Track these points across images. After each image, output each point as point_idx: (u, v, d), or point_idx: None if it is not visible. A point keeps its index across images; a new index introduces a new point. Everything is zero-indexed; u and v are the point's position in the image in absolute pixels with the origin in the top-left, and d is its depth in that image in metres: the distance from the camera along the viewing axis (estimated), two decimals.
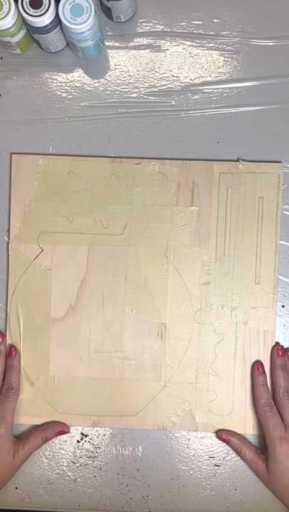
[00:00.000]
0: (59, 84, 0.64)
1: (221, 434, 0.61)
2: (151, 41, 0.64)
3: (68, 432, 0.61)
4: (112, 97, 0.64)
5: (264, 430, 0.59)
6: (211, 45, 0.64)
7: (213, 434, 0.61)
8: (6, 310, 0.63)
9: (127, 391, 0.62)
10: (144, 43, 0.64)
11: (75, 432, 0.62)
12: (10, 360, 0.61)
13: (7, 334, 0.62)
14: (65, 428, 0.61)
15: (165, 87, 0.64)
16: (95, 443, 0.62)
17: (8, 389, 0.60)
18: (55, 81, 0.64)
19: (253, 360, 0.61)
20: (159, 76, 0.64)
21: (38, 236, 0.62)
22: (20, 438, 0.60)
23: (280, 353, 0.60)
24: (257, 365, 0.61)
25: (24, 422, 0.61)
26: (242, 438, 0.61)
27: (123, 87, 0.64)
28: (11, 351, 0.61)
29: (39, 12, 0.56)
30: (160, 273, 0.62)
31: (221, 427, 0.61)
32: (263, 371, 0.60)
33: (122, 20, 0.63)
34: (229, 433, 0.61)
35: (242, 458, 0.61)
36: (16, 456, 0.58)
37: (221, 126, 0.63)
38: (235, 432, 0.61)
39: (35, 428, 0.61)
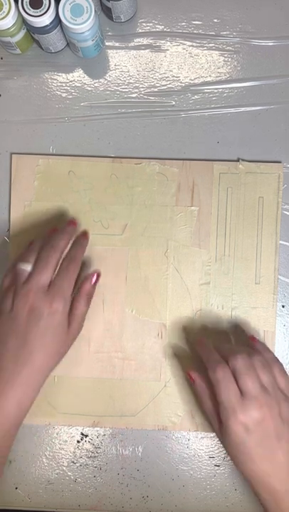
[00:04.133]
0: (59, 84, 0.64)
1: (190, 371, 0.56)
2: (151, 41, 0.64)
3: (100, 275, 0.58)
4: (112, 97, 0.64)
5: (217, 397, 0.52)
6: (211, 45, 0.64)
7: (214, 434, 0.61)
8: None
9: (127, 391, 0.62)
10: (144, 43, 0.64)
11: (75, 432, 0.62)
12: (78, 238, 0.59)
13: None
14: (97, 271, 0.58)
15: (165, 87, 0.64)
16: (95, 443, 0.62)
17: (70, 261, 0.55)
18: (55, 81, 0.64)
19: None
20: (159, 76, 0.64)
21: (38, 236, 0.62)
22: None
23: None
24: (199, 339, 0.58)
25: (23, 422, 0.61)
26: (210, 386, 0.53)
27: (123, 87, 0.64)
28: (84, 233, 0.61)
29: (39, 12, 0.56)
30: (160, 273, 0.62)
31: None
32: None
33: (122, 21, 0.63)
34: (200, 376, 0.55)
35: (201, 406, 0.55)
36: (69, 332, 0.55)
37: (221, 126, 0.63)
38: (209, 377, 0.53)
39: (71, 291, 0.55)
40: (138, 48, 0.64)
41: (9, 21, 0.57)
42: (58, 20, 0.58)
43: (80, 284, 0.57)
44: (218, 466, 0.62)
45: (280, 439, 0.51)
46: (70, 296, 0.55)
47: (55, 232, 0.58)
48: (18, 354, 0.52)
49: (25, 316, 0.53)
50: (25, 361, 0.52)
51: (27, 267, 0.55)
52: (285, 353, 0.62)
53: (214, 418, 0.53)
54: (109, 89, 0.64)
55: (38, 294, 0.53)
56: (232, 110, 0.63)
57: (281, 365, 0.55)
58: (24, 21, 0.58)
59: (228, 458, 0.62)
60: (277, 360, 0.56)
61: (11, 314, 0.53)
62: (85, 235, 0.61)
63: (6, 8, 0.56)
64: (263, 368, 0.52)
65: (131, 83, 0.64)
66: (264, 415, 0.50)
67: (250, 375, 0.51)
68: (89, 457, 0.62)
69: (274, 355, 0.56)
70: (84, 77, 0.64)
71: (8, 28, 0.58)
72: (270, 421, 0.50)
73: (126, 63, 0.64)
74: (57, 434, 0.62)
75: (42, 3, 0.56)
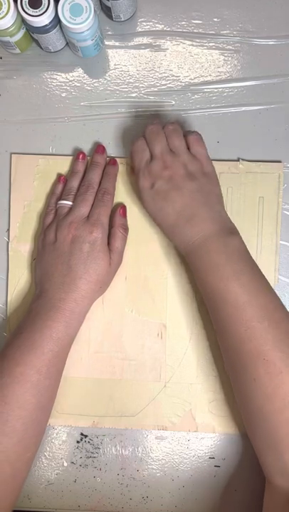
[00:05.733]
0: (59, 83, 0.64)
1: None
2: (151, 40, 0.64)
3: (125, 206, 0.62)
4: (112, 97, 0.64)
5: (132, 166, 0.58)
6: (211, 44, 0.63)
7: (214, 435, 0.61)
8: (6, 310, 0.62)
9: (126, 391, 0.62)
10: (144, 42, 0.64)
11: (74, 432, 0.62)
12: (108, 168, 0.61)
13: (7, 334, 0.62)
14: (120, 204, 0.62)
15: (165, 87, 0.64)
16: (94, 443, 0.62)
17: (104, 193, 0.59)
18: (54, 81, 0.64)
19: None
20: (159, 75, 0.64)
21: (38, 236, 0.62)
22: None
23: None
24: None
25: None
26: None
27: (123, 86, 0.64)
28: (112, 161, 0.62)
29: (38, 12, 0.56)
30: (160, 273, 0.62)
31: (221, 428, 0.61)
32: None
33: (122, 20, 0.63)
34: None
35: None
36: (111, 262, 0.58)
37: (221, 125, 0.63)
38: None
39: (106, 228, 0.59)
40: (138, 47, 0.64)
41: (8, 21, 0.57)
42: (57, 20, 0.58)
43: (110, 219, 0.60)
44: (218, 466, 0.62)
45: (190, 192, 0.54)
46: (107, 224, 0.59)
47: (82, 163, 0.62)
48: (63, 281, 0.56)
49: (68, 244, 0.57)
50: (70, 287, 0.56)
51: (68, 203, 0.59)
52: None
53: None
54: (109, 88, 0.64)
55: (79, 224, 0.57)
56: (232, 110, 0.63)
57: (197, 134, 0.58)
58: (23, 21, 0.58)
59: (228, 458, 0.62)
60: (195, 132, 0.58)
61: (55, 245, 0.58)
62: (114, 163, 0.62)
63: (5, 7, 0.56)
64: (171, 133, 0.57)
65: (131, 83, 0.64)
66: (169, 173, 0.55)
67: (157, 139, 0.56)
68: (89, 457, 0.62)
69: (197, 132, 0.58)
70: (84, 76, 0.64)
71: (8, 28, 0.58)
72: (175, 176, 0.55)
73: (126, 63, 0.64)
74: (56, 434, 0.62)
75: (41, 2, 0.56)
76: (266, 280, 0.54)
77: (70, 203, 0.59)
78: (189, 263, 0.57)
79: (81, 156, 0.62)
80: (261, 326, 0.50)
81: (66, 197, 0.60)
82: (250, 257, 0.55)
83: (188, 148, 0.57)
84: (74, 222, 0.57)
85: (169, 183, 0.55)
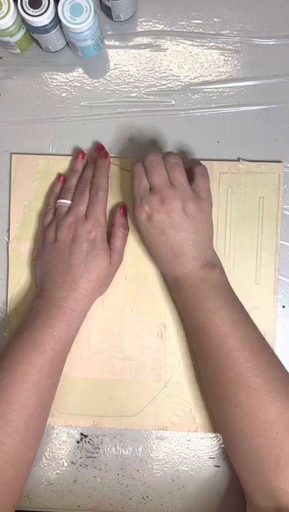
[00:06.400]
0: (59, 83, 0.64)
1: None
2: (151, 40, 0.64)
3: (125, 206, 0.62)
4: (112, 97, 0.64)
5: (132, 192, 0.57)
6: (211, 44, 0.63)
7: (214, 435, 0.61)
8: (6, 310, 0.62)
9: (126, 391, 0.61)
10: (144, 42, 0.64)
11: (74, 432, 0.62)
12: (98, 162, 0.61)
13: (7, 334, 0.62)
14: (120, 204, 0.62)
15: (165, 87, 0.64)
16: (94, 443, 0.62)
17: (97, 189, 0.59)
18: (54, 81, 0.64)
19: None
20: (159, 75, 0.64)
21: (38, 235, 0.62)
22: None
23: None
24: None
25: None
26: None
27: (123, 86, 0.64)
28: (103, 155, 0.61)
29: (38, 12, 0.56)
30: (160, 272, 0.62)
31: None
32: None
33: (122, 20, 0.63)
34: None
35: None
36: (111, 261, 0.58)
37: (221, 125, 0.63)
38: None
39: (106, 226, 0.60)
40: (138, 47, 0.64)
41: (8, 21, 0.57)
42: (57, 20, 0.58)
43: (111, 219, 0.61)
44: (218, 466, 0.62)
45: (183, 232, 0.55)
46: (104, 221, 0.59)
47: (81, 162, 0.62)
48: (64, 280, 0.56)
49: (68, 244, 0.57)
50: (71, 286, 0.56)
51: (67, 202, 0.59)
52: (286, 353, 0.62)
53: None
54: (109, 88, 0.64)
55: (78, 223, 0.58)
56: (232, 109, 0.63)
57: (203, 168, 0.57)
58: (23, 21, 0.58)
59: (229, 459, 0.62)
60: (201, 164, 0.58)
61: (55, 244, 0.58)
62: (105, 156, 0.62)
63: (5, 7, 0.56)
64: (173, 166, 0.56)
65: (131, 82, 0.64)
66: (166, 209, 0.54)
67: (158, 171, 0.55)
68: (89, 457, 0.62)
69: (204, 166, 0.58)
70: (84, 76, 0.64)
71: (8, 28, 0.58)
72: (172, 215, 0.54)
73: (126, 62, 0.64)
74: (56, 434, 0.62)
75: (41, 2, 0.56)
76: (246, 312, 0.56)
77: (69, 201, 0.60)
78: (175, 296, 0.59)
79: (80, 155, 0.62)
80: (242, 355, 0.52)
81: (65, 196, 0.60)
82: (231, 289, 0.57)
83: (191, 179, 0.56)
84: (73, 222, 0.58)
85: (165, 220, 0.54)
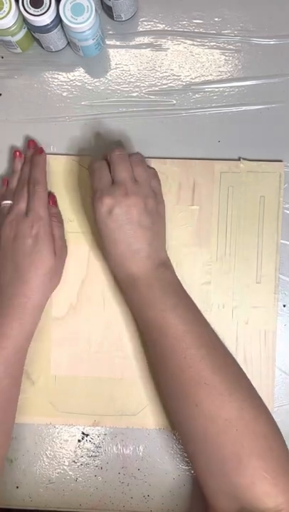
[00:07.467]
0: (60, 83, 0.64)
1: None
2: (152, 40, 0.64)
3: (53, 195, 0.63)
4: (113, 96, 0.64)
5: (91, 186, 0.56)
6: (212, 43, 0.63)
7: None
8: None
9: (127, 390, 0.62)
10: (145, 41, 0.64)
11: (76, 431, 0.62)
12: (34, 158, 0.61)
13: None
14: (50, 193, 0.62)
15: (166, 86, 0.64)
16: (95, 442, 0.62)
17: (34, 184, 0.59)
18: (55, 80, 0.64)
19: (253, 360, 0.61)
20: (160, 75, 0.64)
21: None
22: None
23: None
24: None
25: (24, 421, 0.61)
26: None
27: (124, 86, 0.64)
28: (39, 150, 0.61)
29: (40, 11, 0.56)
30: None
31: None
32: None
33: (123, 19, 0.63)
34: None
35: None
36: (56, 251, 0.58)
37: (222, 125, 0.63)
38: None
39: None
40: (139, 46, 0.64)
41: (10, 20, 0.57)
42: (58, 20, 0.58)
43: None
44: None
45: (142, 228, 0.54)
46: (46, 214, 0.58)
47: (19, 161, 0.62)
48: (11, 278, 0.56)
49: (11, 242, 0.57)
50: (19, 283, 0.56)
51: (8, 202, 0.60)
52: (286, 352, 0.62)
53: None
54: (110, 88, 0.64)
55: (19, 221, 0.58)
56: (233, 109, 0.63)
57: (155, 170, 0.59)
58: (25, 20, 0.58)
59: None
60: (152, 167, 0.59)
61: (0, 245, 0.58)
62: (40, 152, 0.62)
63: (6, 7, 0.56)
64: (138, 164, 0.56)
65: (132, 82, 0.64)
66: (129, 202, 0.54)
67: (123, 166, 0.55)
68: (90, 456, 0.62)
69: (154, 168, 0.59)
70: (85, 76, 0.64)
71: (9, 27, 0.58)
72: (133, 209, 0.54)
73: (127, 62, 0.64)
74: (58, 433, 0.62)
75: (42, 2, 0.56)
76: (200, 311, 0.57)
77: (10, 201, 0.60)
78: (128, 296, 0.59)
79: (18, 154, 0.62)
80: (199, 353, 0.52)
81: (7, 196, 0.61)
82: (184, 290, 0.57)
83: None
84: (14, 220, 0.58)
85: (126, 214, 0.54)
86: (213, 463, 0.51)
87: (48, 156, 0.63)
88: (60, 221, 0.62)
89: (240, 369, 0.55)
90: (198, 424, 0.52)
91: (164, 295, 0.55)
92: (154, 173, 0.58)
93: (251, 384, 0.55)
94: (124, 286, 0.58)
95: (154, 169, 0.59)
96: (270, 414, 0.53)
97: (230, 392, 0.51)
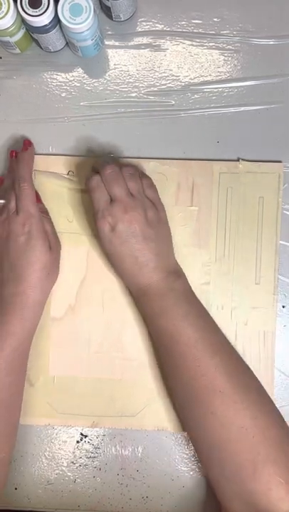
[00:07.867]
0: (58, 83, 0.64)
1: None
2: (150, 40, 0.64)
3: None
4: (112, 97, 0.64)
5: (93, 206, 0.56)
6: (211, 44, 0.63)
7: None
8: None
9: (126, 391, 0.61)
10: (144, 42, 0.64)
11: (74, 432, 0.62)
12: (20, 155, 0.61)
13: None
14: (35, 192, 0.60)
15: (165, 87, 0.64)
16: (94, 443, 0.62)
17: (20, 182, 0.58)
18: (54, 81, 0.64)
19: (252, 361, 0.61)
20: (159, 75, 0.64)
21: None
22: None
23: None
24: None
25: (23, 422, 0.61)
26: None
27: (123, 86, 0.64)
28: (24, 147, 0.61)
29: (38, 12, 0.56)
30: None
31: None
32: None
33: (122, 20, 0.63)
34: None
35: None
36: (51, 246, 0.59)
37: (220, 125, 0.63)
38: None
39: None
40: (138, 47, 0.64)
41: (8, 21, 0.57)
42: (57, 20, 0.58)
43: None
44: None
45: (146, 240, 0.55)
46: (36, 210, 0.58)
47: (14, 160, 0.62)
48: (9, 277, 0.57)
49: (4, 241, 0.57)
50: (17, 281, 0.56)
51: (1, 201, 0.60)
52: (285, 353, 0.62)
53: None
54: (108, 88, 0.64)
55: (10, 220, 0.57)
56: (232, 109, 0.63)
57: (150, 179, 0.59)
58: (23, 21, 0.58)
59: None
60: (147, 176, 0.59)
61: None
62: (25, 149, 0.61)
63: (4, 7, 0.56)
64: (130, 177, 0.56)
65: (130, 82, 0.64)
66: (130, 218, 0.54)
67: (117, 183, 0.55)
68: (88, 458, 0.62)
69: (145, 174, 0.60)
70: (83, 76, 0.64)
71: (7, 28, 0.58)
72: (135, 223, 0.55)
73: (125, 62, 0.64)
74: (56, 434, 0.62)
75: (41, 2, 0.56)
76: (212, 318, 0.57)
77: (3, 201, 0.60)
78: (140, 306, 0.59)
79: (14, 154, 0.62)
80: (213, 361, 0.53)
81: (1, 196, 0.60)
82: (196, 297, 0.58)
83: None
84: (6, 219, 0.58)
85: (129, 229, 0.54)
86: (228, 469, 0.51)
87: (47, 156, 0.63)
88: (47, 215, 0.62)
89: (252, 374, 0.55)
90: (213, 431, 0.52)
91: (176, 304, 0.55)
92: (148, 183, 0.58)
93: (263, 388, 0.55)
94: (137, 298, 0.59)
95: (148, 178, 0.59)
96: (283, 418, 0.53)
97: (244, 399, 0.51)
